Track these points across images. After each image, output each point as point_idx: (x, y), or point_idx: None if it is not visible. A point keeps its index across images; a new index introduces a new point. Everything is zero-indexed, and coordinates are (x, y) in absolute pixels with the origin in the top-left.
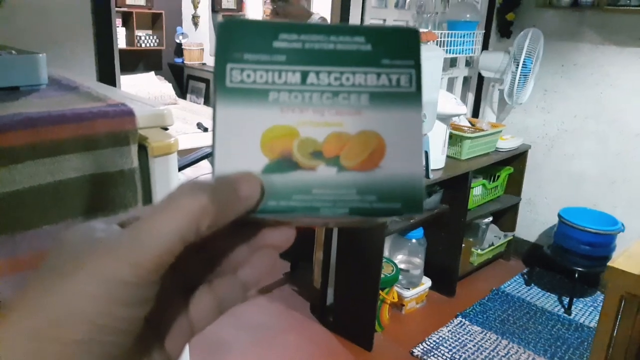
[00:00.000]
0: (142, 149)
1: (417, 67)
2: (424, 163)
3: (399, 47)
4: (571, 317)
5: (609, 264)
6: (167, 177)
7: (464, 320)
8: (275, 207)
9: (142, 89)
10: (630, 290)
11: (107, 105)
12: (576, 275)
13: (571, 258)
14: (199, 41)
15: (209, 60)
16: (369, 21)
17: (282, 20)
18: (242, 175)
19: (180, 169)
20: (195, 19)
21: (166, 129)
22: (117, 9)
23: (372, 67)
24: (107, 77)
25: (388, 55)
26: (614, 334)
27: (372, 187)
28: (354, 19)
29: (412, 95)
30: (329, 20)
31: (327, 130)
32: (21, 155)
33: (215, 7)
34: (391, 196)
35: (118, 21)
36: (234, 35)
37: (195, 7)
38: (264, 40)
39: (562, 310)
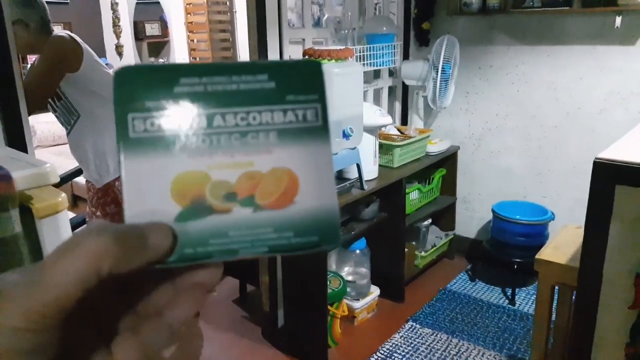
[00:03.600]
0: (28, 211)
1: (322, 100)
2: (336, 194)
3: (302, 83)
4: (515, 307)
5: (537, 256)
6: (57, 238)
7: (414, 324)
8: (192, 254)
9: None
10: (560, 280)
11: None
12: (515, 266)
13: (508, 250)
14: None
15: None
16: (287, 42)
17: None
18: (152, 225)
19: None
20: (119, 49)
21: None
22: None
23: (278, 104)
24: (14, 128)
25: (292, 91)
26: (554, 320)
27: (289, 224)
28: (272, 39)
29: (319, 129)
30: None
31: (239, 171)
32: None
33: (139, 35)
34: (308, 230)
35: None
36: (132, 83)
37: (118, 37)
38: (165, 87)
39: (507, 301)
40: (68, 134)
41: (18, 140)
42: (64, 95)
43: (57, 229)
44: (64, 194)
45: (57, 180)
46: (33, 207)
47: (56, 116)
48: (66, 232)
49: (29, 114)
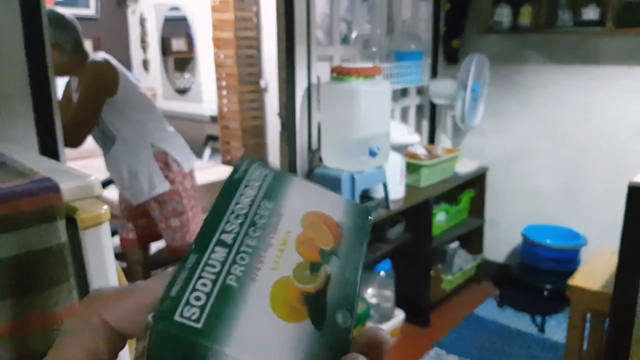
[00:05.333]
0: (72, 221)
1: None
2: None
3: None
4: (545, 335)
5: (569, 282)
6: (100, 249)
7: (440, 350)
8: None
9: None
10: (592, 306)
11: (31, 182)
12: (545, 292)
13: (538, 276)
14: (151, 85)
15: (163, 104)
16: (315, 59)
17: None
18: None
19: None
20: (145, 64)
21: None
22: None
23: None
24: (48, 138)
25: None
26: (585, 350)
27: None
28: (300, 56)
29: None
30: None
31: (289, 249)
32: None
33: (166, 50)
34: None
35: None
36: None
37: (145, 52)
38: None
39: (536, 329)
40: (105, 155)
41: (51, 150)
42: (101, 119)
43: (99, 239)
44: (106, 206)
45: (102, 192)
46: (78, 218)
47: (94, 138)
48: (108, 243)
49: (76, 146)
